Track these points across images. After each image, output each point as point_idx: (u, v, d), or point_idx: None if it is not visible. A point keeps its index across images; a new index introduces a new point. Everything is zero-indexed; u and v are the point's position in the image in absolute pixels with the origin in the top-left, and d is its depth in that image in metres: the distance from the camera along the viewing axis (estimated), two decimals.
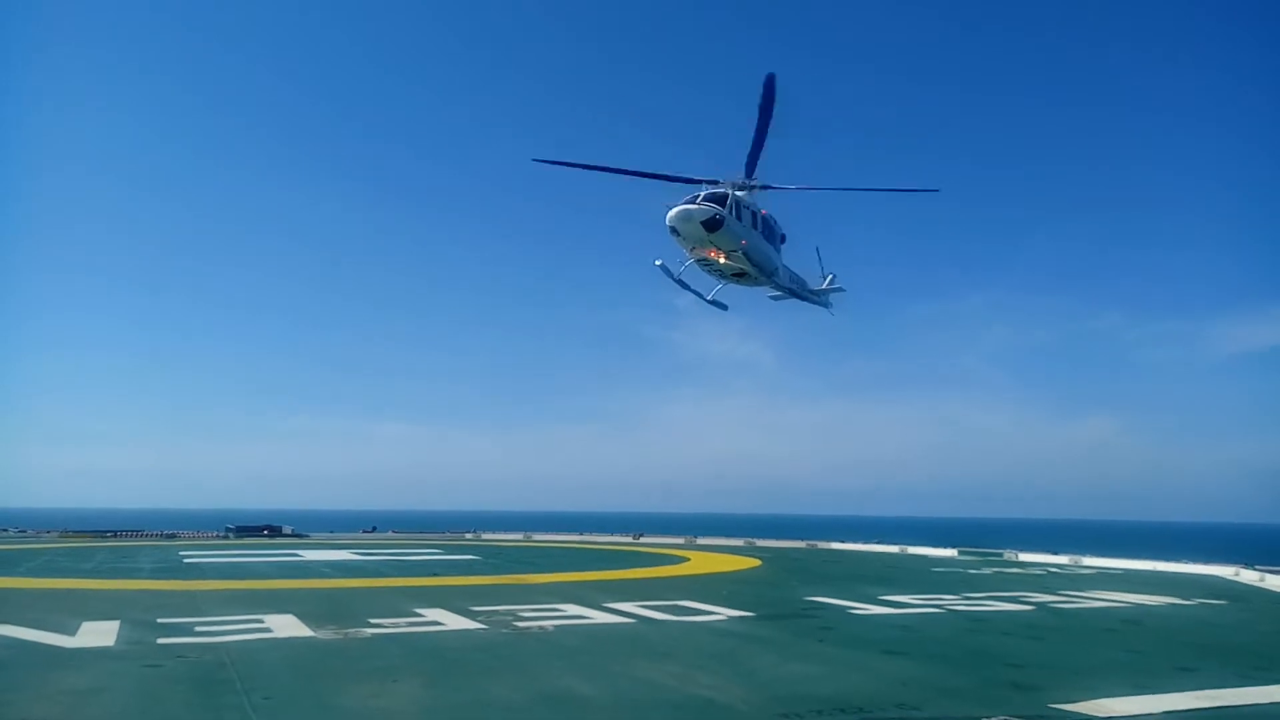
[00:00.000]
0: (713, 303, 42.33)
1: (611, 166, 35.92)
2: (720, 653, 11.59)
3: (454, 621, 13.72)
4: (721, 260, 38.15)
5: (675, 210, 35.37)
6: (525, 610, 15.05)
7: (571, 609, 15.38)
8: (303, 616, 13.75)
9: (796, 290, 46.08)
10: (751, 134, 37.22)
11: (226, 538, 38.84)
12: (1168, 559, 29.57)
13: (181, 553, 29.09)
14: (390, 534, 44.51)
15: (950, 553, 33.61)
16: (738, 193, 39.15)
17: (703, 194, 36.87)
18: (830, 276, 49.38)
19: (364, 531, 44.93)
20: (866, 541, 39.61)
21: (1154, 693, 9.42)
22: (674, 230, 36.14)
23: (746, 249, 38.71)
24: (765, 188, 40.31)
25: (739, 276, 40.26)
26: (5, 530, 40.33)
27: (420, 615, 14.37)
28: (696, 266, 39.64)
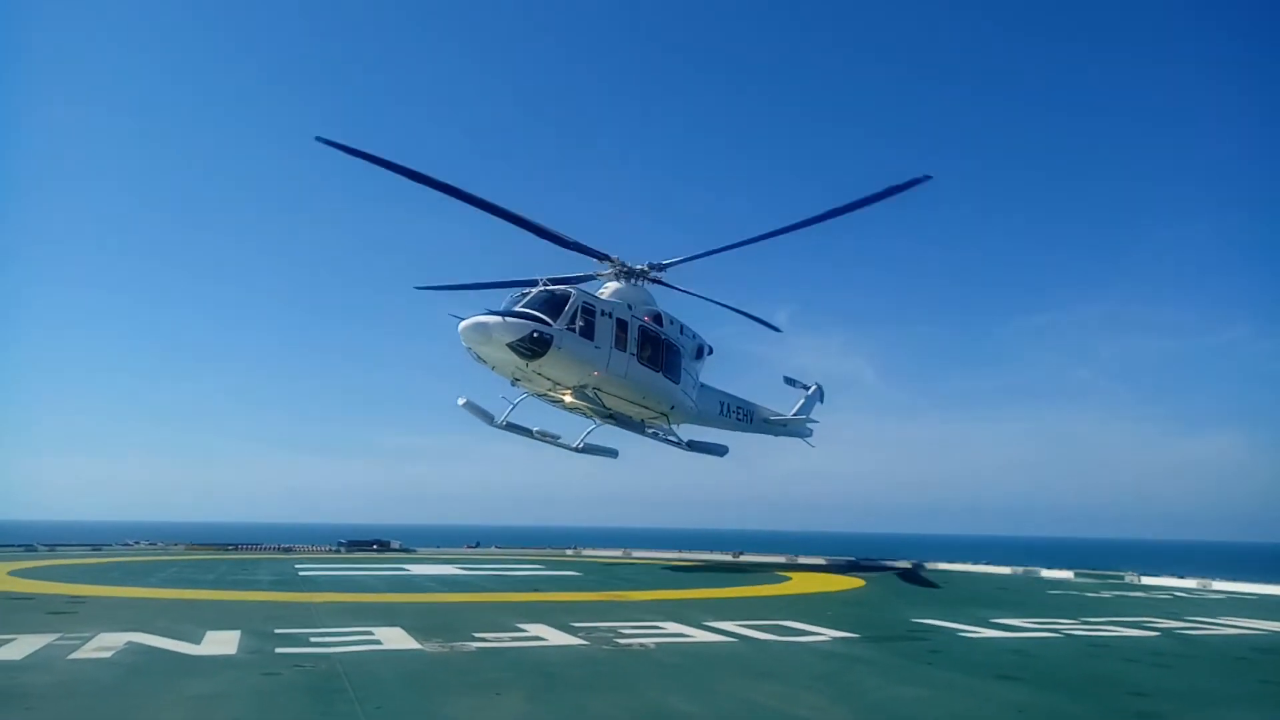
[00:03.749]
0: (587, 449, 30.23)
1: (416, 171, 24.78)
2: (824, 674, 11.35)
3: (556, 637, 13.85)
4: (566, 399, 27.34)
5: (468, 324, 24.76)
6: (626, 627, 15.07)
7: (672, 627, 15.33)
8: (410, 630, 14.10)
9: (726, 427, 33.87)
10: (784, 221, 26.54)
11: (339, 551, 40.15)
12: None
13: (297, 566, 30.20)
14: (493, 549, 45.28)
15: (1066, 574, 32.12)
16: (608, 288, 28.61)
17: (534, 292, 25.98)
18: (810, 390, 38.60)
19: (468, 547, 45.79)
20: (976, 562, 38.20)
21: None
22: (473, 354, 25.62)
23: (601, 384, 26.94)
24: (658, 282, 29.76)
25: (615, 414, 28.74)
26: (138, 543, 42.70)
27: (523, 630, 14.55)
28: (540, 400, 28.57)
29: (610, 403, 28.41)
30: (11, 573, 25.00)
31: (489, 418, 29.17)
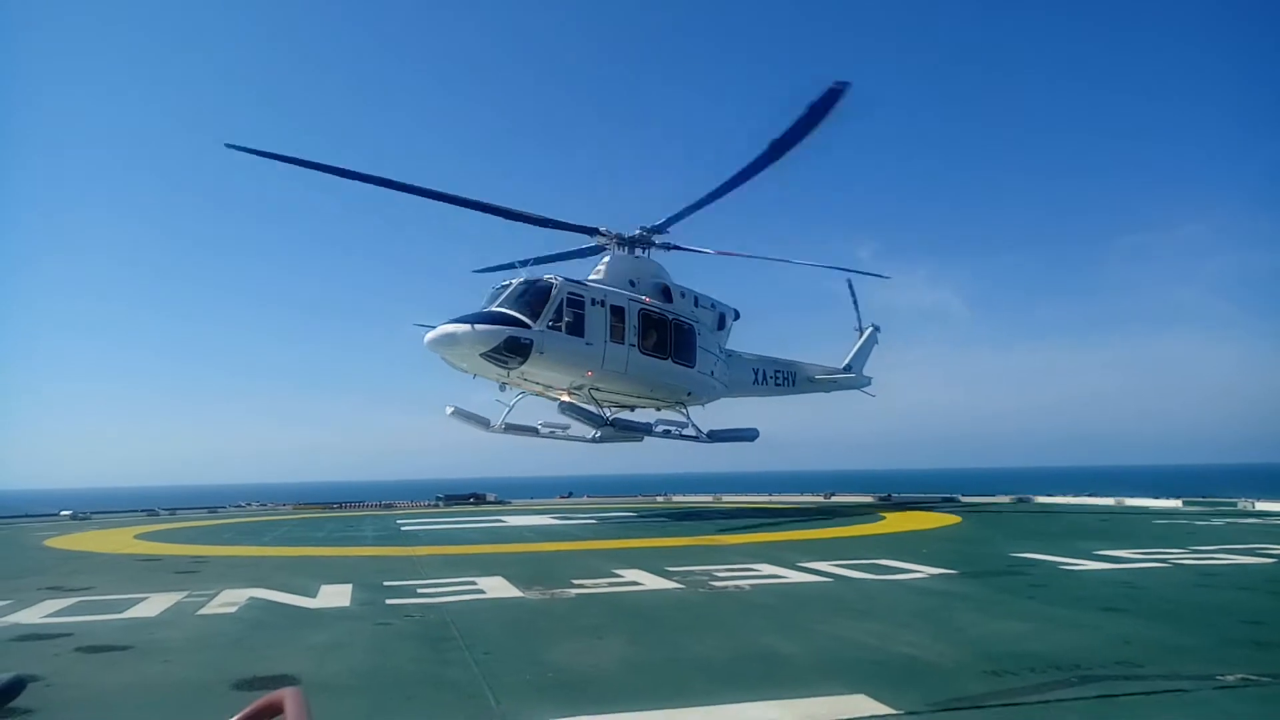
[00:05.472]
0: (605, 438, 26.65)
1: (335, 166, 23.72)
2: (922, 610, 11.31)
3: (652, 582, 14.10)
4: (563, 398, 25.61)
5: (434, 335, 22.84)
6: (720, 570, 15.25)
7: (766, 568, 15.44)
8: (511, 578, 14.54)
9: (766, 395, 32.29)
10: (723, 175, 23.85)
11: (437, 505, 41.42)
12: None
13: (399, 521, 31.29)
14: (585, 498, 46.08)
15: (1174, 503, 31.09)
16: (603, 265, 26.37)
17: (511, 285, 23.84)
18: (868, 331, 36.78)
19: (561, 497, 46.72)
20: (1077, 494, 37.24)
21: None
22: (450, 364, 23.59)
23: (598, 383, 24.94)
24: (667, 246, 27.05)
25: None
26: (249, 504, 44.91)
27: (619, 576, 14.84)
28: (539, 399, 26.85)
29: (615, 399, 26.57)
30: (137, 536, 26.63)
31: (484, 423, 27.08)
